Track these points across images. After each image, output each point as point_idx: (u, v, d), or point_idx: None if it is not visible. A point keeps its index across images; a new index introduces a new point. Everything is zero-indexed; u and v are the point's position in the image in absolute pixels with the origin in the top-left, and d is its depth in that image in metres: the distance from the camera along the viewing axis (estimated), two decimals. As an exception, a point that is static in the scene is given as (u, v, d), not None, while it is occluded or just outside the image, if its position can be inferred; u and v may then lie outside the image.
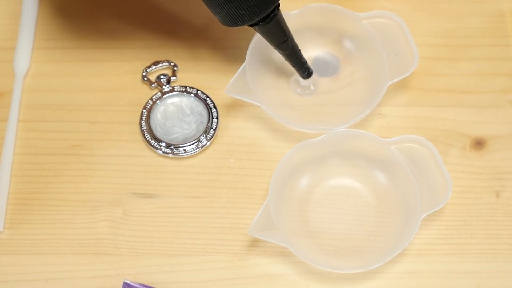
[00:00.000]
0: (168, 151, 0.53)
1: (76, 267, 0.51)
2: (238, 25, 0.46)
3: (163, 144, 0.54)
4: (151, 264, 0.51)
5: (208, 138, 0.54)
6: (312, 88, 0.56)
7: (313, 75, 0.55)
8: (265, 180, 0.52)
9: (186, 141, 0.54)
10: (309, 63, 0.57)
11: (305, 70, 0.54)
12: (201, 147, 0.54)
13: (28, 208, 0.53)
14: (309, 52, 0.58)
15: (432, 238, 0.51)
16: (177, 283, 0.50)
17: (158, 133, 0.54)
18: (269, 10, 0.46)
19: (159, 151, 0.54)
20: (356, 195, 0.52)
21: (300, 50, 0.52)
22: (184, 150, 0.54)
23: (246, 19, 0.45)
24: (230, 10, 0.45)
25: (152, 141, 0.54)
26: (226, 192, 0.53)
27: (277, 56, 0.54)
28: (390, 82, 0.53)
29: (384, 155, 0.52)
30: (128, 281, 0.49)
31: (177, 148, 0.54)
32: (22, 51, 0.58)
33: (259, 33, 0.49)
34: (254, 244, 0.51)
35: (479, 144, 0.54)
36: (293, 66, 0.53)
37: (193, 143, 0.54)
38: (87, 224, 0.52)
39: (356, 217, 0.52)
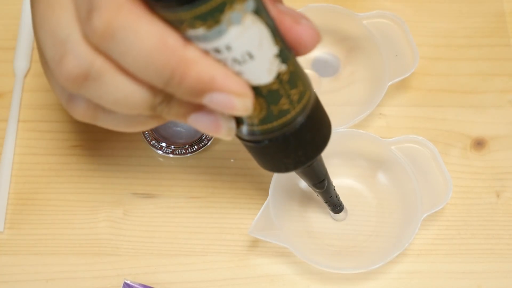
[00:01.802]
0: (168, 151, 0.53)
1: (76, 267, 0.51)
2: (280, 172, 0.42)
3: (164, 144, 0.54)
4: (151, 264, 0.51)
5: (208, 138, 0.54)
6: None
7: (314, 75, 0.55)
8: (266, 180, 0.52)
9: (186, 141, 0.54)
10: (309, 63, 0.57)
11: (337, 206, 0.50)
12: (202, 147, 0.54)
13: (28, 208, 0.53)
14: (309, 53, 0.58)
15: (433, 238, 0.51)
16: (178, 283, 0.50)
17: (159, 133, 0.54)
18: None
19: (160, 151, 0.53)
20: (357, 195, 0.52)
21: (334, 186, 0.47)
22: (185, 150, 0.53)
23: (291, 167, 0.40)
24: (276, 161, 0.40)
25: (153, 141, 0.54)
26: (226, 192, 0.53)
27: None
28: (390, 82, 0.53)
29: (385, 155, 0.52)
30: (128, 282, 0.49)
31: (177, 148, 0.54)
32: (22, 51, 0.58)
33: (297, 174, 0.44)
34: (254, 244, 0.51)
35: (479, 144, 0.54)
36: (325, 202, 0.49)
37: (194, 143, 0.54)
38: (87, 224, 0.52)
39: (356, 217, 0.52)
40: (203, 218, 0.52)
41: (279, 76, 0.33)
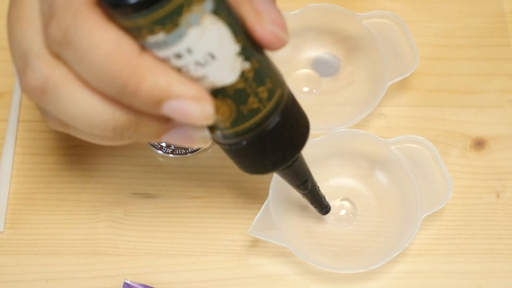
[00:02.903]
0: (168, 151, 0.53)
1: (76, 267, 0.50)
2: (260, 174, 0.41)
3: (164, 144, 0.54)
4: (151, 264, 0.51)
5: (208, 138, 0.54)
6: None
7: (314, 75, 0.55)
8: (266, 180, 0.52)
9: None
10: (309, 63, 0.57)
11: (323, 207, 0.49)
12: (202, 147, 0.54)
13: (28, 208, 0.53)
14: (309, 52, 0.58)
15: (433, 238, 0.51)
16: (177, 283, 0.50)
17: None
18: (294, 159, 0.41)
19: (160, 151, 0.53)
20: (357, 195, 0.52)
21: (318, 187, 0.47)
22: (185, 150, 0.53)
23: (269, 168, 0.40)
24: (254, 162, 0.40)
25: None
26: (226, 192, 0.53)
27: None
28: (390, 82, 0.53)
29: (385, 155, 0.52)
30: (128, 281, 0.49)
31: (177, 148, 0.54)
32: (22, 51, 0.58)
33: (278, 175, 0.44)
34: (254, 244, 0.51)
35: (479, 144, 0.54)
36: (311, 204, 0.48)
37: (193, 143, 0.54)
38: (87, 224, 0.52)
39: (356, 217, 0.52)
40: (203, 218, 0.52)
41: (243, 74, 0.33)
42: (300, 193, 0.46)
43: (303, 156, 0.42)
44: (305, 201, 0.52)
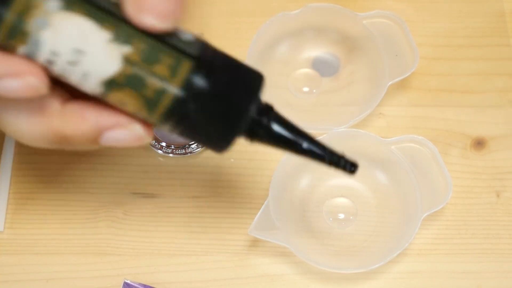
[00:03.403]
0: (168, 151, 0.53)
1: (76, 267, 0.50)
2: (226, 148, 0.37)
3: (164, 144, 0.54)
4: (151, 264, 0.51)
5: (208, 138, 0.54)
6: None
7: (314, 75, 0.55)
8: (265, 180, 0.52)
9: (186, 141, 0.54)
10: (309, 63, 0.57)
11: (345, 166, 0.38)
12: (202, 147, 0.54)
13: (28, 208, 0.53)
14: (309, 52, 0.58)
15: (433, 238, 0.51)
16: (177, 283, 0.50)
17: (159, 133, 0.54)
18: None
19: (160, 151, 0.53)
20: (357, 195, 0.52)
21: (326, 147, 0.38)
22: (185, 150, 0.53)
23: (229, 138, 0.37)
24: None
25: (153, 141, 0.54)
26: (226, 192, 0.53)
27: None
28: (390, 82, 0.53)
29: (385, 155, 0.52)
30: (128, 281, 0.49)
31: (177, 148, 0.54)
32: (22, 51, 0.58)
33: (264, 145, 0.39)
34: (254, 244, 0.51)
35: (479, 144, 0.54)
36: (330, 168, 0.39)
37: (194, 143, 0.54)
38: (87, 224, 0.52)
39: (356, 217, 0.52)
40: (203, 218, 0.52)
41: (127, 59, 0.32)
42: (306, 158, 0.38)
43: (279, 114, 0.38)
44: (305, 201, 0.52)
